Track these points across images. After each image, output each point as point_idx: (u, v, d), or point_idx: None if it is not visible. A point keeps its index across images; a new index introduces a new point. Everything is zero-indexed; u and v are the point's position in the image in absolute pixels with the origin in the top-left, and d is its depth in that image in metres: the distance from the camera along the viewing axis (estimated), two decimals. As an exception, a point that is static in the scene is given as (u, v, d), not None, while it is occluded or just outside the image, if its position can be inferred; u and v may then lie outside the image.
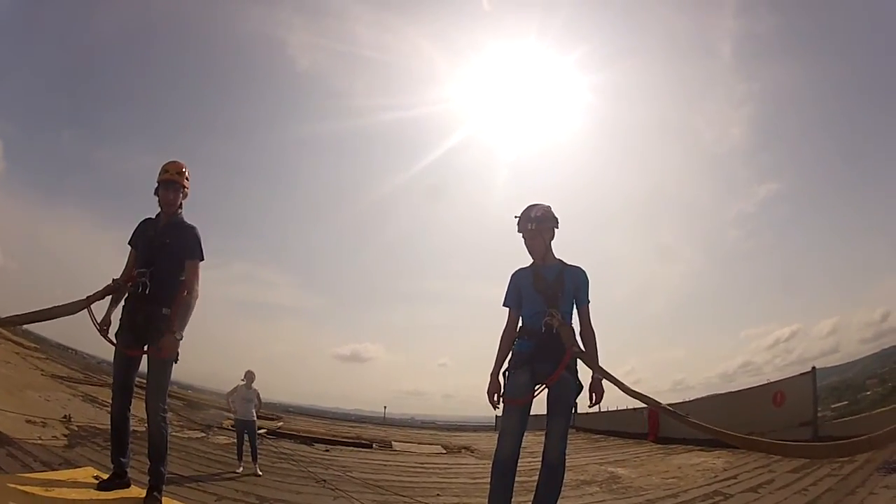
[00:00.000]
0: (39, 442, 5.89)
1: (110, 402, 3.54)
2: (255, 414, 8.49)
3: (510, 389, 3.23)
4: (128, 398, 3.46)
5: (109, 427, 3.55)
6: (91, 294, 3.39)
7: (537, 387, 3.20)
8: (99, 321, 3.45)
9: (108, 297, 3.50)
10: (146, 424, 3.46)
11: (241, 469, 7.77)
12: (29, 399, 8.35)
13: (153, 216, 3.64)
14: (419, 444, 14.69)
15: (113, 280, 3.49)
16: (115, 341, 3.45)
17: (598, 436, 16.99)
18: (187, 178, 3.54)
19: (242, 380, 8.63)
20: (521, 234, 3.42)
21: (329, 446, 12.02)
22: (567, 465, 3.21)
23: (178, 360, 3.48)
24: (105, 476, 3.59)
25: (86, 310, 3.36)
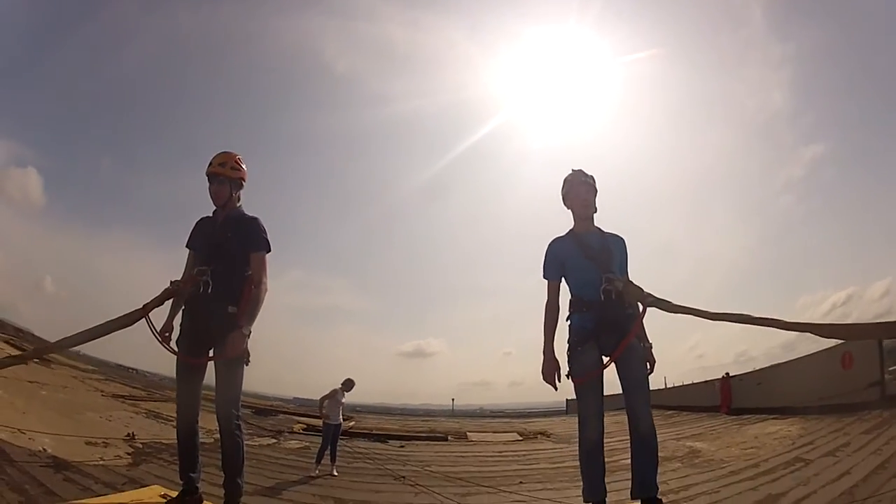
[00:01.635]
0: (101, 463, 5.67)
1: (175, 415, 3.15)
2: (341, 417, 8.73)
3: (579, 369, 3.00)
4: (194, 410, 3.11)
5: (176, 442, 3.17)
6: (148, 301, 3.01)
7: (605, 360, 2.99)
8: (159, 329, 3.10)
9: (168, 303, 3.14)
10: (218, 435, 3.07)
11: (318, 471, 7.71)
12: (88, 420, 8.15)
13: (210, 214, 3.33)
14: (494, 432, 14.57)
15: (171, 282, 3.10)
16: (176, 350, 3.08)
17: (671, 411, 16.74)
18: (235, 168, 3.21)
19: (341, 385, 8.86)
20: (569, 192, 3.21)
21: (404, 442, 11.92)
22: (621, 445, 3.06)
23: (248, 360, 3.06)
24: (174, 494, 3.17)
25: (143, 319, 2.98)
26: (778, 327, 2.54)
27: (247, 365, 3.06)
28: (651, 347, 3.06)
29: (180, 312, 3.16)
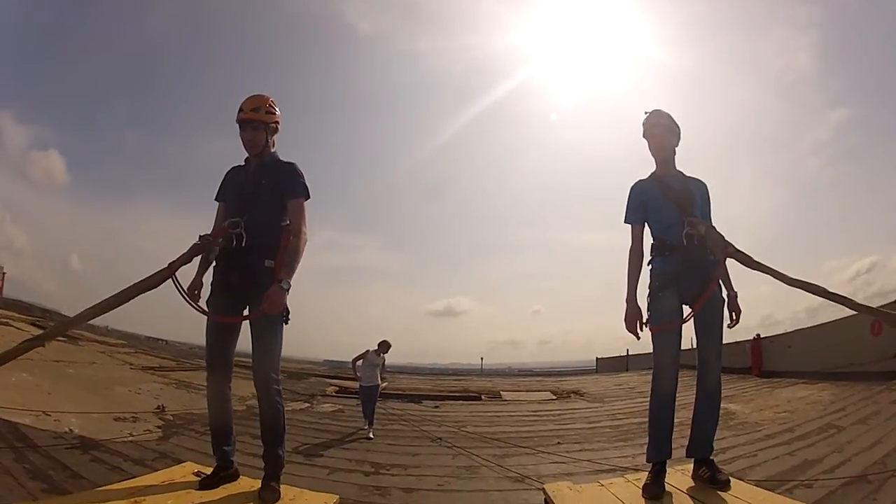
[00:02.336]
0: (130, 439, 5.52)
1: (206, 384, 2.85)
2: (379, 378, 8.58)
3: (658, 315, 2.90)
4: (226, 377, 2.84)
5: (207, 413, 2.89)
6: (174, 259, 2.67)
7: (685, 307, 2.89)
8: (187, 287, 2.79)
9: (196, 260, 2.84)
10: (250, 403, 2.75)
11: (371, 434, 7.66)
12: (117, 395, 8.07)
13: (242, 163, 3.04)
14: (527, 391, 14.46)
15: (200, 237, 2.79)
16: (206, 309, 2.78)
17: (689, 371, 16.46)
18: (270, 112, 2.92)
19: (375, 348, 8.72)
20: (647, 132, 3.12)
21: (438, 402, 11.83)
22: (677, 403, 2.97)
23: (288, 319, 2.76)
24: (208, 470, 2.88)
25: (170, 279, 2.66)
26: (849, 307, 2.57)
27: (286, 324, 2.77)
28: (736, 296, 2.96)
29: (210, 269, 2.88)
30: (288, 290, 2.64)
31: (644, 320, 2.92)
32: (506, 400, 12.68)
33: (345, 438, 7.31)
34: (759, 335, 15.76)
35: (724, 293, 2.96)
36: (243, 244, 2.76)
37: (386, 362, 8.90)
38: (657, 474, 2.81)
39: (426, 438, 7.35)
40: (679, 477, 2.94)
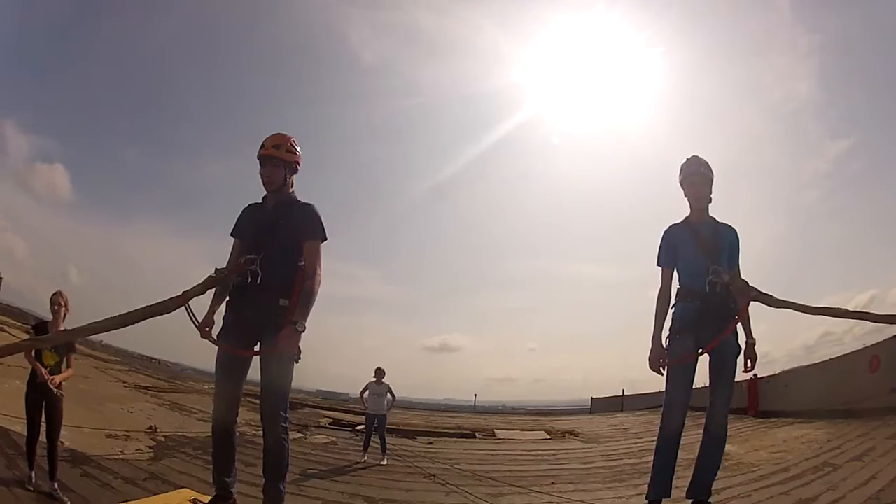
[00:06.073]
0: (122, 457, 5.48)
1: (210, 412, 2.84)
2: (385, 408, 8.77)
3: (674, 356, 3.01)
4: (234, 409, 2.80)
5: (211, 441, 2.84)
6: (188, 289, 2.67)
7: (700, 351, 2.99)
8: (199, 322, 2.77)
9: (211, 293, 2.82)
10: (249, 430, 2.75)
11: (366, 458, 8.01)
12: (110, 412, 8.00)
13: (259, 201, 3.03)
14: (522, 430, 14.30)
15: (216, 270, 2.77)
16: (217, 341, 2.76)
17: (697, 413, 16.19)
18: (290, 151, 2.92)
19: (374, 377, 8.88)
20: (685, 180, 3.19)
21: (431, 438, 11.71)
22: (681, 442, 3.04)
23: (299, 358, 2.76)
24: (204, 498, 2.85)
25: (184, 307, 2.65)
26: (872, 321, 2.76)
27: (296, 363, 2.75)
28: (754, 344, 3.01)
29: (223, 306, 2.84)
30: (302, 332, 2.64)
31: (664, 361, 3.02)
32: (500, 438, 12.53)
33: (338, 471, 7.20)
34: (756, 375, 15.18)
35: (743, 340, 3.01)
36: (258, 281, 2.73)
37: (392, 389, 9.00)
38: None
39: (419, 475, 7.23)
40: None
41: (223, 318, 2.82)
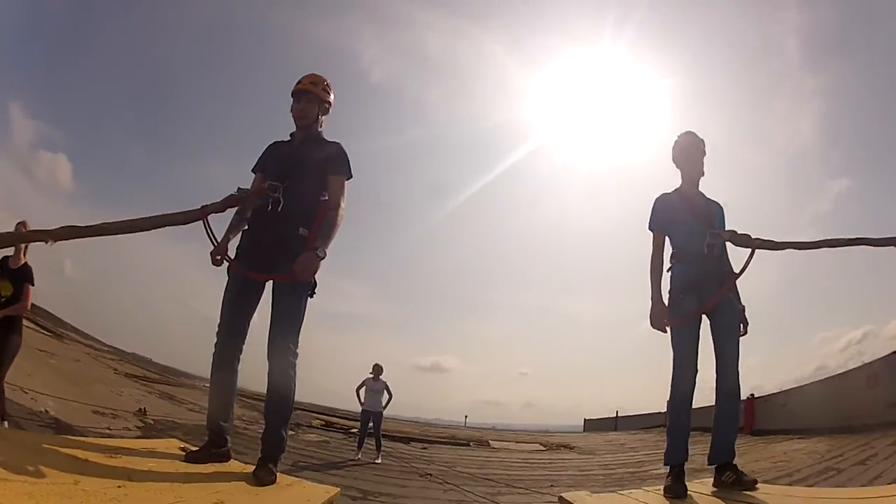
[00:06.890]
0: (107, 431, 5.22)
1: (213, 347, 2.59)
2: (382, 405, 8.65)
3: (678, 313, 2.96)
4: (238, 344, 2.61)
5: (209, 382, 2.65)
6: (207, 204, 2.58)
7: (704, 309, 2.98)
8: (211, 250, 2.67)
9: (227, 219, 2.74)
10: (253, 429, 2.57)
11: (360, 456, 7.98)
12: (98, 392, 7.74)
13: (286, 138, 2.96)
14: (517, 441, 14.15)
15: (238, 189, 2.68)
16: (230, 260, 2.64)
17: (693, 432, 16.24)
18: (326, 91, 2.90)
19: (371, 374, 8.79)
20: (683, 151, 3.23)
21: (427, 444, 11.48)
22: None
23: (314, 291, 2.64)
24: (194, 448, 2.59)
25: (201, 221, 2.57)
26: (868, 244, 2.80)
27: (311, 297, 2.63)
28: (744, 310, 3.05)
29: (239, 234, 2.74)
30: (322, 258, 2.52)
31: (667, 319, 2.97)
32: (494, 447, 12.31)
33: (331, 465, 7.02)
34: (752, 395, 16.01)
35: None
36: (279, 209, 2.63)
37: (389, 386, 8.87)
38: (677, 476, 2.78)
39: (415, 474, 7.03)
40: (699, 486, 2.85)
41: (237, 246, 2.71)
